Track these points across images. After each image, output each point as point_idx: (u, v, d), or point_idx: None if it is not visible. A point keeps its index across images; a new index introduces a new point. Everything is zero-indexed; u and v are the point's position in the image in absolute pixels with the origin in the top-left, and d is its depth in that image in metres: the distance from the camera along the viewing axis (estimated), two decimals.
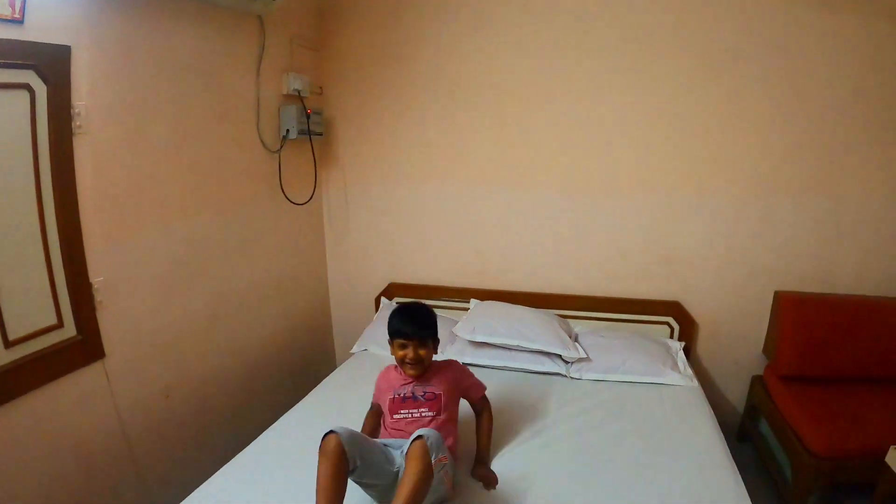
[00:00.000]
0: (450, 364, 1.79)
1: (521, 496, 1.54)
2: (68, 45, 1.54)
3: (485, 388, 1.81)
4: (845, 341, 2.28)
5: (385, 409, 1.69)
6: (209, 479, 1.60)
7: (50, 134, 1.51)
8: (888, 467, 1.67)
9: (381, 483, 1.43)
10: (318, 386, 2.25)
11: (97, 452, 1.73)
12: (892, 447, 1.67)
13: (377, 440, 1.55)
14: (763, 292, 2.52)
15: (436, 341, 1.71)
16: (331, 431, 1.35)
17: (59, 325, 1.59)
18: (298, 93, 2.51)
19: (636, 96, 2.46)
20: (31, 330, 1.51)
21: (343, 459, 1.33)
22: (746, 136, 2.40)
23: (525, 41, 2.53)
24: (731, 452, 1.76)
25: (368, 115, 2.80)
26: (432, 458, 1.31)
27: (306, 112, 2.49)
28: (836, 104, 2.30)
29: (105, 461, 1.76)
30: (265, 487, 1.56)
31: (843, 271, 2.46)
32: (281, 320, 2.69)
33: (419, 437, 1.34)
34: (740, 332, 2.61)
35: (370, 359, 2.49)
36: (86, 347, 1.67)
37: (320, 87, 2.80)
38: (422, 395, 1.65)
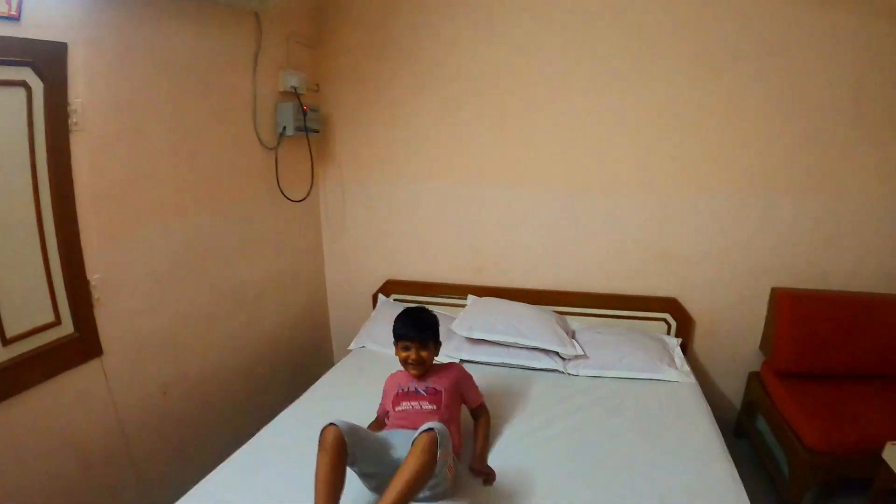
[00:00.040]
0: (453, 366, 1.87)
1: (518, 492, 1.54)
2: (65, 42, 1.53)
3: (483, 398, 1.86)
4: (842, 338, 2.29)
5: (390, 405, 1.73)
6: (207, 476, 1.60)
7: (47, 131, 1.51)
8: (884, 463, 1.68)
9: (381, 472, 1.43)
10: (316, 383, 2.25)
11: (95, 450, 1.73)
12: (888, 443, 1.68)
13: (378, 433, 1.57)
14: (760, 289, 2.53)
15: (437, 343, 1.80)
16: (330, 423, 1.36)
17: (57, 322, 1.59)
18: (295, 90, 2.50)
19: (635, 95, 2.46)
20: (28, 327, 1.51)
21: (342, 451, 1.33)
22: (745, 135, 2.40)
23: (524, 39, 2.52)
24: (728, 448, 1.77)
25: (365, 112, 2.80)
26: (438, 452, 1.31)
27: (303, 109, 2.49)
28: (835, 104, 2.31)
29: (103, 458, 1.76)
30: (263, 484, 1.57)
31: (841, 269, 2.47)
32: (278, 317, 2.69)
33: (429, 429, 1.34)
34: (737, 328, 2.62)
35: (368, 356, 2.50)
36: (83, 345, 1.67)
37: (317, 85, 2.79)
38: (424, 390, 1.71)
